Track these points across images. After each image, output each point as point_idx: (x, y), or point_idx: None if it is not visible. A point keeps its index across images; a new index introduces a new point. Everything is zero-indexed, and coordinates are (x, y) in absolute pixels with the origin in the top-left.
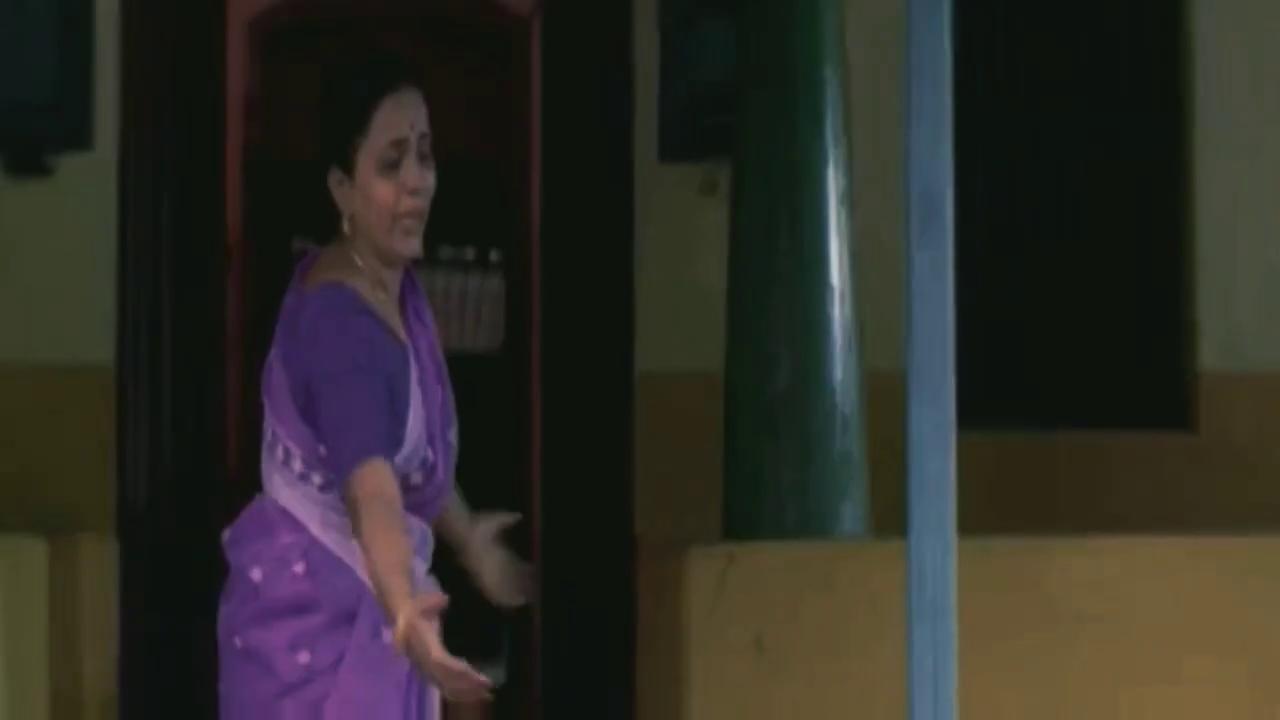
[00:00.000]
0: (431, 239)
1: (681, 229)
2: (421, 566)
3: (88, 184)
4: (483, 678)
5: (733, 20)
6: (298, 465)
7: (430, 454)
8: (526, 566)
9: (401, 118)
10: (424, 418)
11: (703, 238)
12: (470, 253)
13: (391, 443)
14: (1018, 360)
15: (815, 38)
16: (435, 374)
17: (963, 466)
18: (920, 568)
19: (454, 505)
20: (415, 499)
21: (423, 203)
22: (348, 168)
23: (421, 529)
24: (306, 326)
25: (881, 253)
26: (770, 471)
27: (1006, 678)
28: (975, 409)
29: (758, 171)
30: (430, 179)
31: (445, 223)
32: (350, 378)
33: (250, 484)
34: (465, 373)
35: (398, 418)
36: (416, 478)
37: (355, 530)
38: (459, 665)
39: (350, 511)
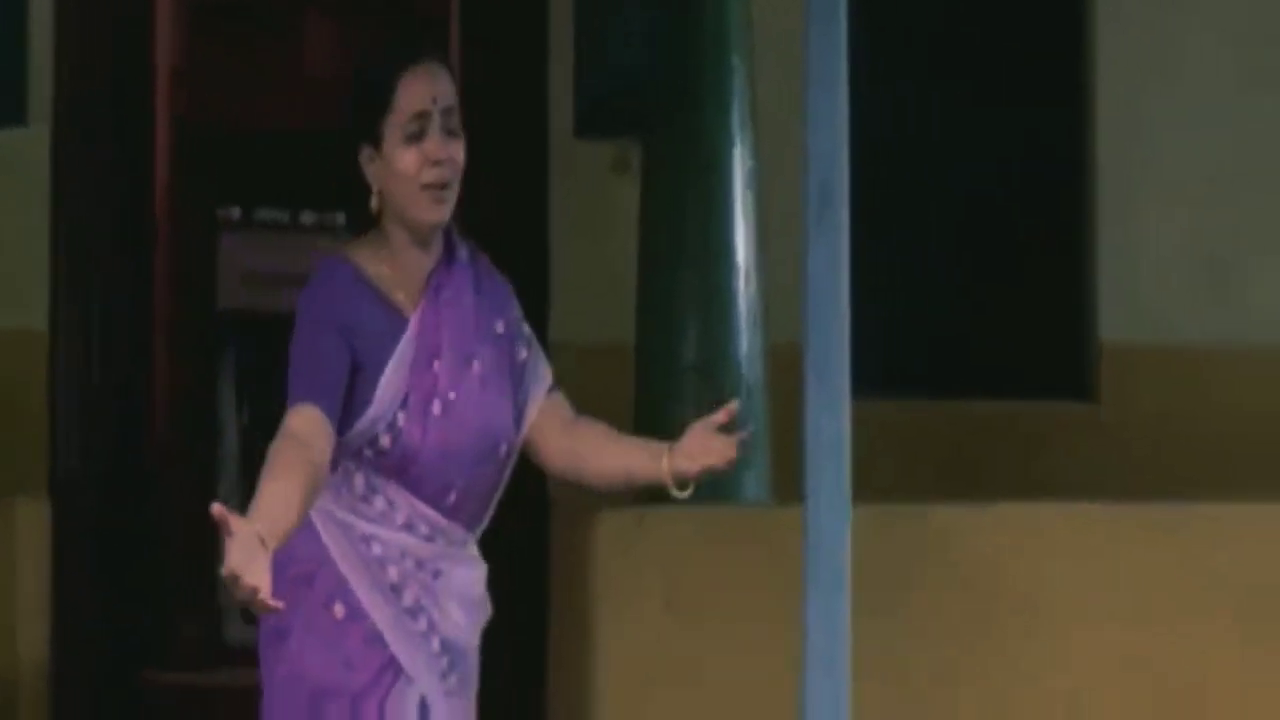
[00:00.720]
0: (350, 206)
1: (595, 204)
2: (407, 538)
3: (22, 157)
4: (264, 594)
5: (649, 2)
6: None
7: (402, 420)
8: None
9: (423, 91)
10: (403, 386)
11: (616, 213)
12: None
13: (325, 392)
14: (926, 331)
15: (723, 24)
16: (455, 350)
17: (869, 435)
18: (817, 533)
19: (614, 447)
20: (386, 462)
21: (448, 173)
22: (376, 143)
23: (408, 503)
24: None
25: (786, 231)
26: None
27: (907, 642)
28: (882, 378)
29: (667, 152)
30: (456, 151)
31: (365, 190)
32: (302, 330)
33: (177, 450)
34: None
35: (366, 381)
36: (384, 440)
37: None
38: (234, 575)
39: None
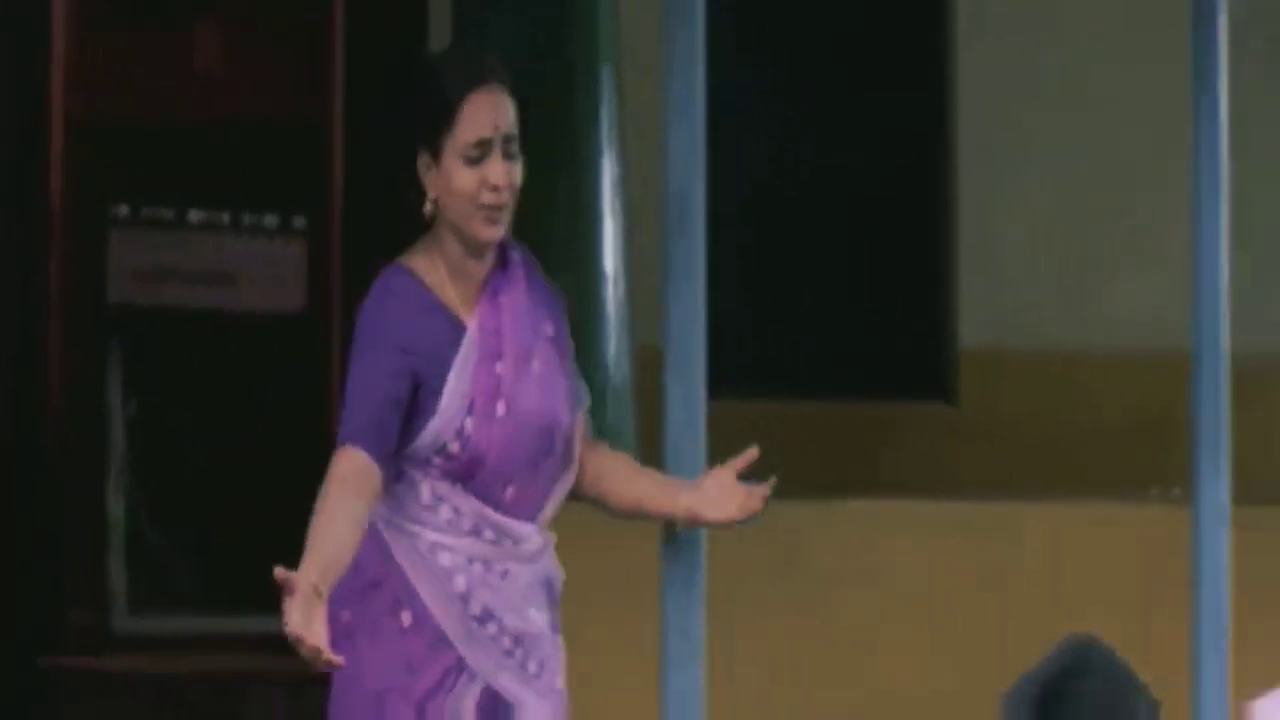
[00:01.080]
0: (237, 204)
1: None
2: (474, 544)
3: None
4: (326, 653)
5: (523, 10)
6: None
7: (469, 426)
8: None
9: (486, 117)
10: (468, 392)
11: None
12: (273, 219)
13: (377, 432)
14: (790, 332)
15: (592, 33)
16: (515, 349)
17: (732, 435)
18: (674, 531)
19: (631, 476)
20: (454, 468)
21: (506, 196)
22: (434, 155)
23: (473, 509)
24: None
25: (652, 237)
26: None
27: (756, 630)
28: (745, 379)
29: (538, 158)
30: (516, 174)
31: (252, 188)
32: (360, 355)
33: (74, 447)
34: (268, 334)
35: (430, 393)
36: (453, 447)
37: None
38: (298, 636)
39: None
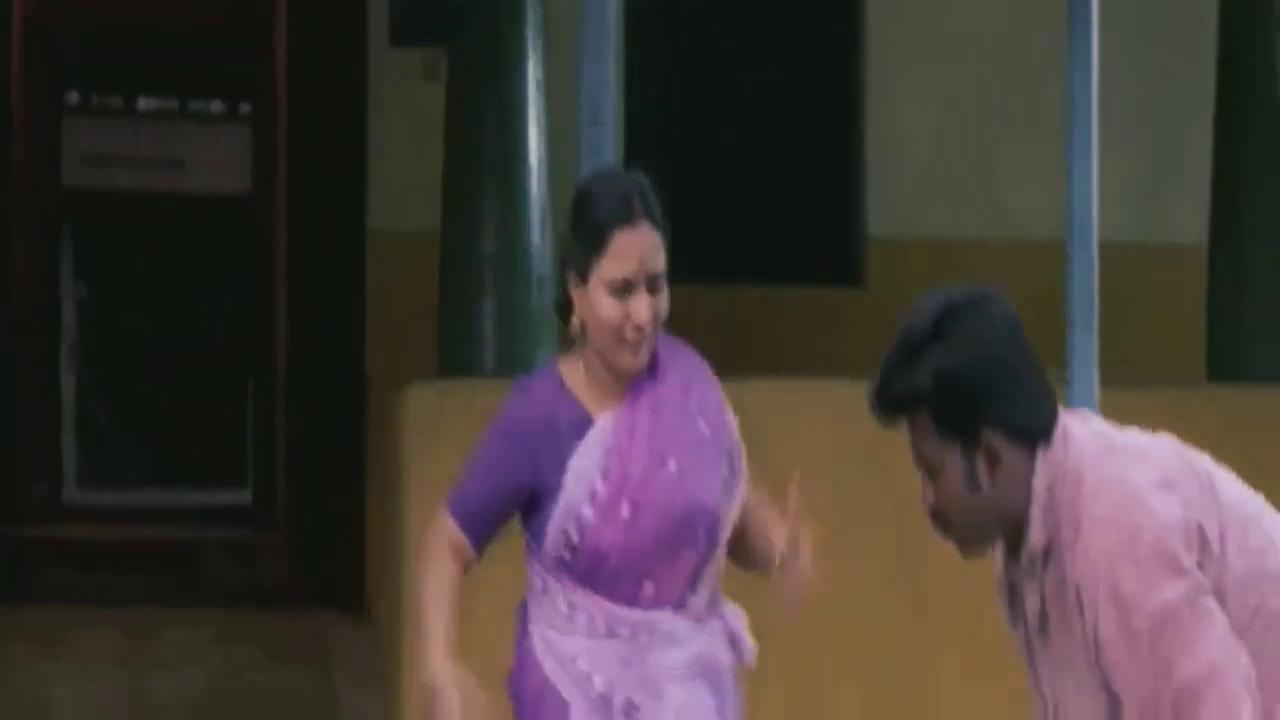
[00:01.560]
0: (188, 95)
1: (410, 105)
2: (608, 644)
3: None
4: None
5: None
6: None
7: (590, 518)
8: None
9: (633, 256)
10: (588, 488)
11: (427, 116)
12: (220, 106)
13: (481, 520)
14: (704, 220)
15: None
16: (650, 452)
17: None
18: None
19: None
20: (578, 567)
21: (649, 331)
22: (583, 278)
23: (605, 611)
24: None
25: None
26: (477, 323)
27: None
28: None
29: (468, 61)
30: (661, 306)
31: (199, 78)
32: (490, 441)
33: (29, 329)
34: (214, 216)
35: (550, 491)
36: (575, 538)
37: None
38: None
39: None
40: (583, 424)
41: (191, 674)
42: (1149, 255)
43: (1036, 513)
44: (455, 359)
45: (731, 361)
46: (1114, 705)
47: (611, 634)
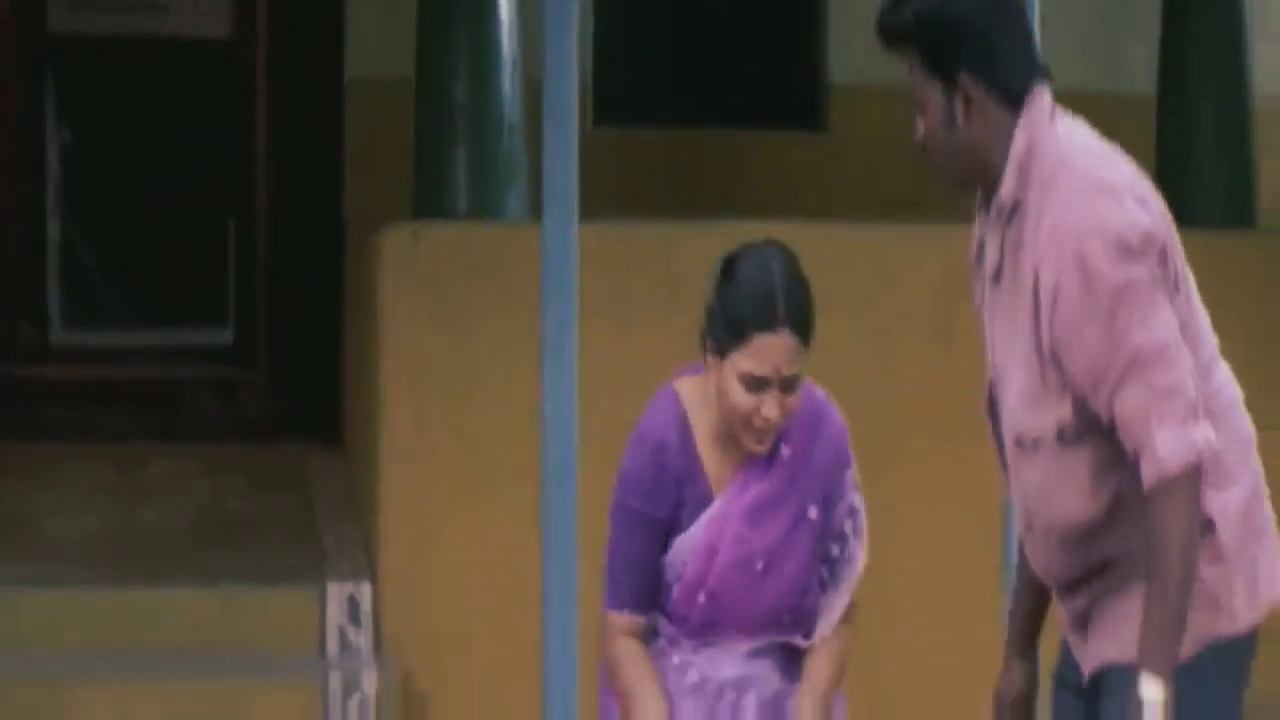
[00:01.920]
0: None
1: None
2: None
3: None
4: None
5: None
6: None
7: (676, 593)
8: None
9: (770, 360)
10: (681, 569)
11: None
12: None
13: (643, 591)
14: (668, 64)
15: None
16: (735, 548)
17: (612, 159)
18: (549, 246)
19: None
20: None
21: (776, 425)
22: (720, 354)
23: (703, 663)
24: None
25: None
26: (450, 168)
27: (628, 345)
28: (625, 107)
29: None
30: (790, 404)
31: None
32: (618, 516)
33: (14, 173)
34: (196, 60)
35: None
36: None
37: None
38: None
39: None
40: (699, 497)
41: (178, 503)
42: (1098, 104)
43: (1011, 168)
44: (429, 202)
45: (692, 204)
46: (1043, 370)
47: (698, 693)
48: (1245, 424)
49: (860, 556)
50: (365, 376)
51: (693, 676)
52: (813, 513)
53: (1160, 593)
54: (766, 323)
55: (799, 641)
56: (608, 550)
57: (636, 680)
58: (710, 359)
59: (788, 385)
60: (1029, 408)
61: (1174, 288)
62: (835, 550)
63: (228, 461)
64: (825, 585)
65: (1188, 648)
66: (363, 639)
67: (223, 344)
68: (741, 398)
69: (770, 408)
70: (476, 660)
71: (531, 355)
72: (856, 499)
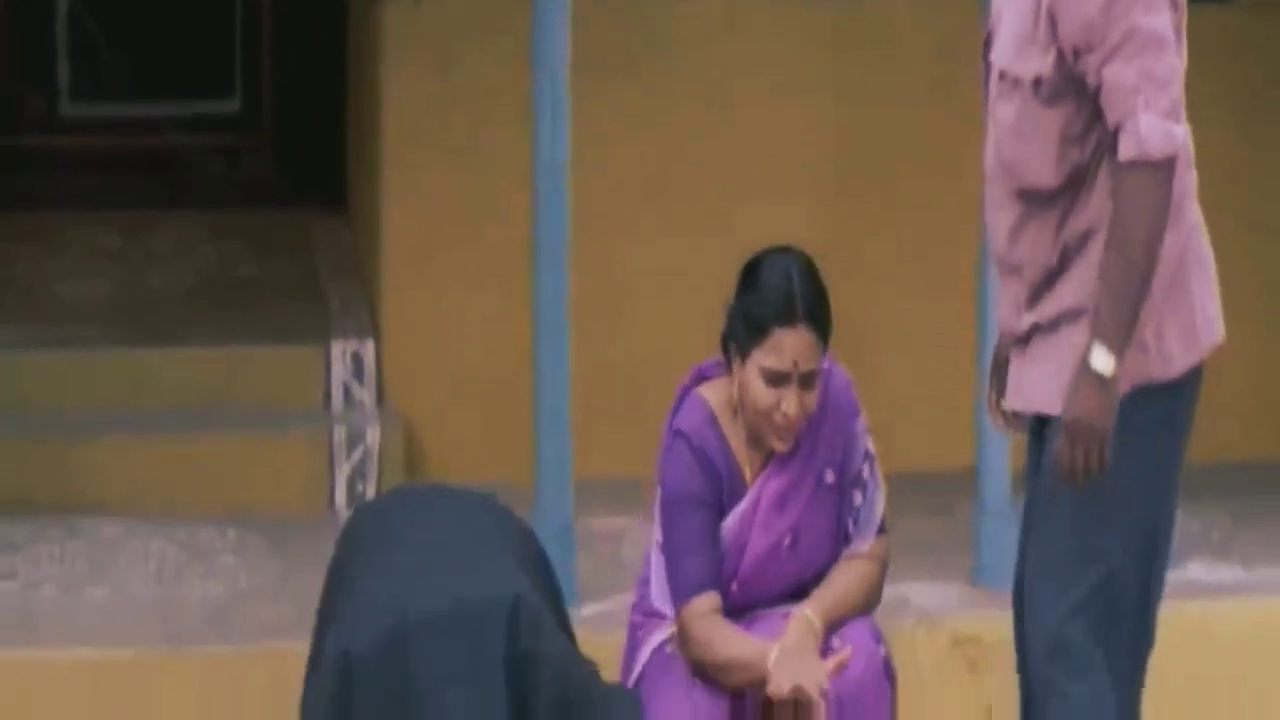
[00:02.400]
0: None
1: None
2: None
3: None
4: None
5: None
6: None
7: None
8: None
9: (789, 355)
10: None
11: None
12: None
13: (710, 571)
14: None
15: None
16: (764, 533)
17: None
18: (541, 11)
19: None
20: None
21: (796, 422)
22: (742, 357)
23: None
24: None
25: None
26: None
27: (618, 101)
28: None
29: None
30: (809, 401)
31: None
32: (668, 512)
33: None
34: None
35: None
36: None
37: None
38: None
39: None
40: (733, 485)
41: (185, 267)
42: None
43: None
44: None
45: None
46: (1036, 19)
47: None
48: (1190, 178)
49: (881, 500)
50: (367, 141)
51: None
52: (829, 476)
53: (1121, 268)
54: (786, 319)
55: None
56: (664, 554)
57: (722, 641)
58: (735, 365)
59: (806, 381)
60: (1015, 49)
61: (1175, 31)
62: (858, 498)
63: (233, 226)
64: (850, 537)
65: (1120, 388)
66: (366, 394)
67: (229, 112)
68: (763, 394)
69: (790, 403)
70: (475, 413)
71: (529, 116)
72: (870, 443)
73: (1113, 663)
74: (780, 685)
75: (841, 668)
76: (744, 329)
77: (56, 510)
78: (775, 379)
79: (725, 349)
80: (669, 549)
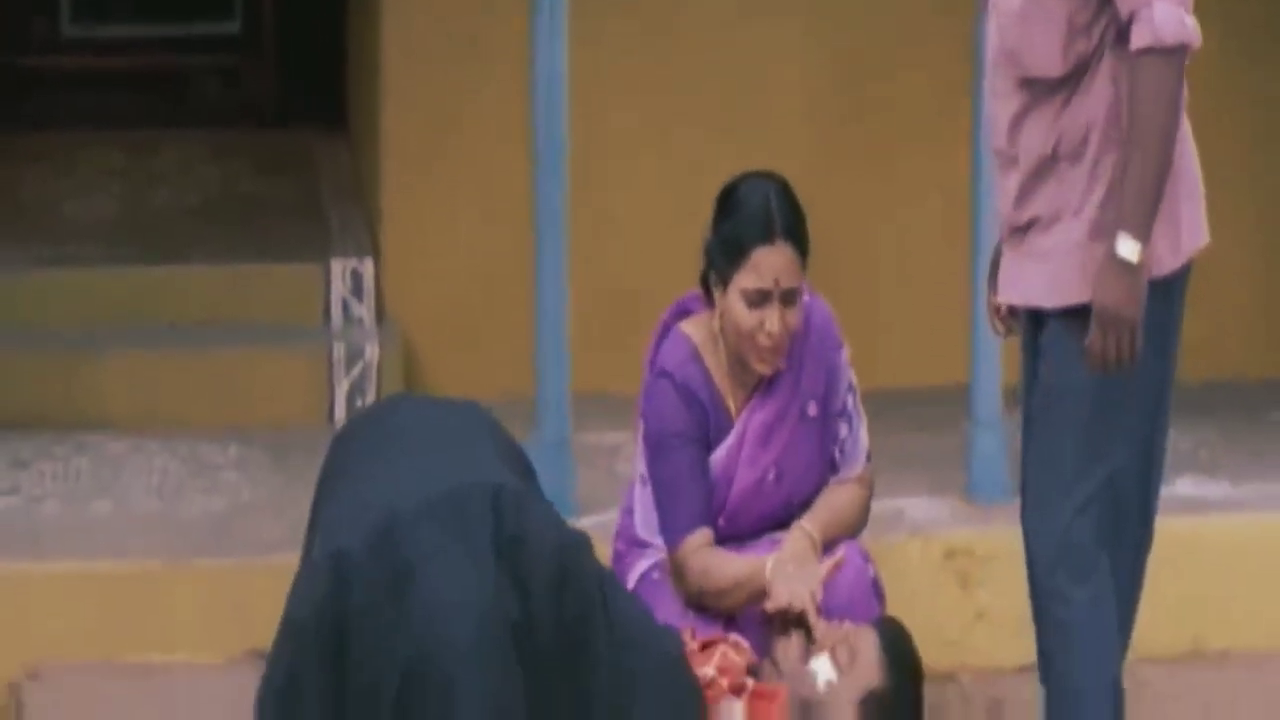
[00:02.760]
0: None
1: None
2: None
3: None
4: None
5: None
6: None
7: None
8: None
9: (770, 272)
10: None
11: None
12: None
13: (703, 509)
14: None
15: None
16: (750, 467)
17: None
18: None
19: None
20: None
21: (780, 341)
22: (723, 283)
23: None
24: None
25: None
26: None
27: (621, 40)
28: None
29: None
30: (791, 319)
31: None
32: (657, 452)
33: None
34: None
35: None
36: None
37: None
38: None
39: None
40: (719, 423)
41: (187, 187)
42: None
43: None
44: None
45: None
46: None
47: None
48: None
49: (864, 431)
50: (367, 60)
51: None
52: (812, 409)
53: (1141, 157)
54: (765, 236)
55: None
56: (654, 492)
57: (719, 567)
58: (716, 293)
59: (788, 298)
60: None
61: None
62: (844, 430)
63: (235, 146)
64: (838, 466)
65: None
66: (365, 311)
67: (229, 33)
68: (745, 315)
69: (773, 322)
70: (473, 329)
71: (529, 37)
72: (853, 376)
73: (1116, 564)
74: (779, 597)
75: (837, 569)
76: (723, 255)
77: (61, 426)
78: (757, 299)
79: (705, 285)
80: (659, 488)
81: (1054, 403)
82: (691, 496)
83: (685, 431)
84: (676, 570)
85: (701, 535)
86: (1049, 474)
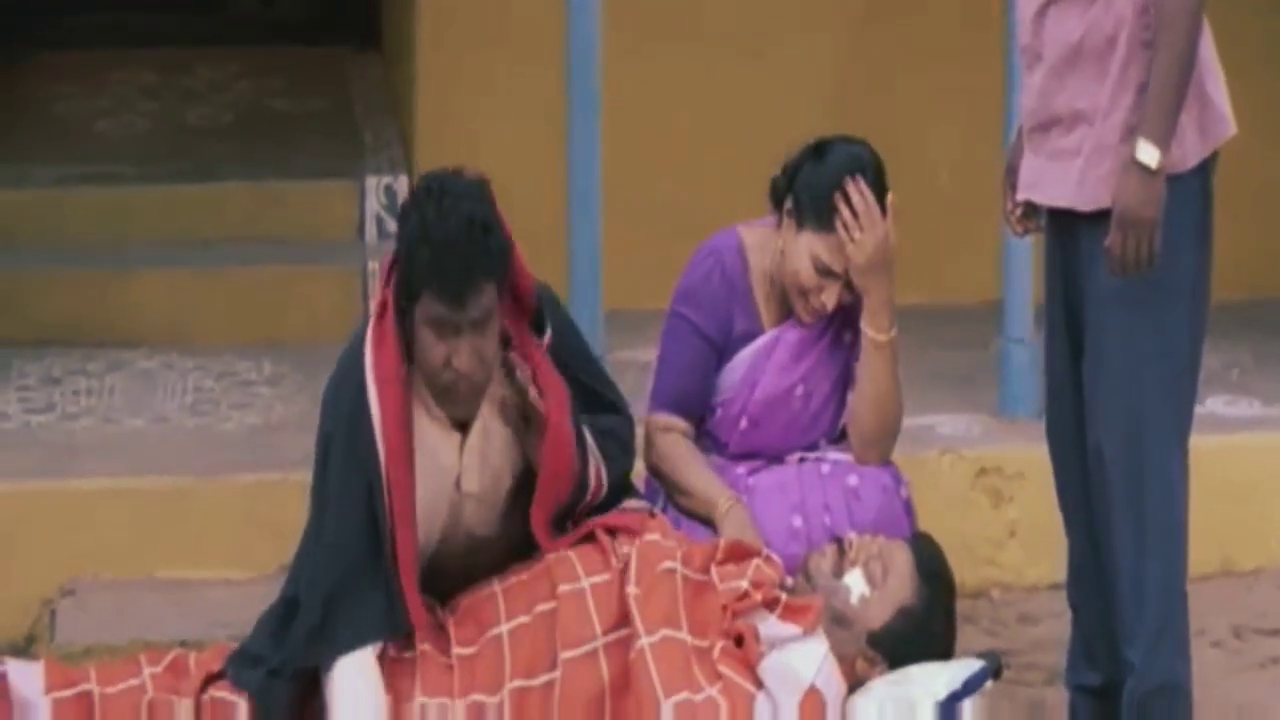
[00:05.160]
0: None
1: None
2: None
3: None
4: None
5: None
6: None
7: (718, 414)
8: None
9: (838, 256)
10: (729, 391)
11: None
12: None
13: (688, 402)
14: None
15: None
16: (779, 380)
17: None
18: None
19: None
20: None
21: (830, 302)
22: (797, 225)
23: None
24: None
25: None
26: None
27: None
28: None
29: None
30: (846, 299)
31: None
32: (675, 328)
33: None
34: None
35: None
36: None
37: None
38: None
39: None
40: (750, 308)
41: (222, 103)
42: None
43: None
44: None
45: None
46: None
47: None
48: None
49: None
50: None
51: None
52: (847, 337)
53: (1165, 67)
54: (830, 226)
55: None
56: (658, 356)
57: (685, 464)
58: (785, 219)
59: (850, 284)
60: None
61: None
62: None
63: (268, 63)
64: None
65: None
66: None
67: None
68: (808, 275)
69: (830, 296)
70: None
71: None
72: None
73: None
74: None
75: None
76: (809, 205)
77: (95, 344)
78: (824, 271)
79: (776, 200)
80: (659, 358)
81: (1112, 304)
82: (684, 382)
83: (702, 326)
84: (646, 436)
85: (680, 422)
86: (1121, 359)
